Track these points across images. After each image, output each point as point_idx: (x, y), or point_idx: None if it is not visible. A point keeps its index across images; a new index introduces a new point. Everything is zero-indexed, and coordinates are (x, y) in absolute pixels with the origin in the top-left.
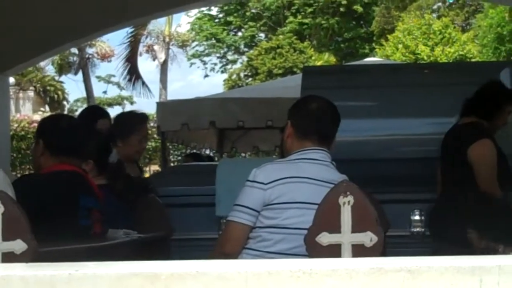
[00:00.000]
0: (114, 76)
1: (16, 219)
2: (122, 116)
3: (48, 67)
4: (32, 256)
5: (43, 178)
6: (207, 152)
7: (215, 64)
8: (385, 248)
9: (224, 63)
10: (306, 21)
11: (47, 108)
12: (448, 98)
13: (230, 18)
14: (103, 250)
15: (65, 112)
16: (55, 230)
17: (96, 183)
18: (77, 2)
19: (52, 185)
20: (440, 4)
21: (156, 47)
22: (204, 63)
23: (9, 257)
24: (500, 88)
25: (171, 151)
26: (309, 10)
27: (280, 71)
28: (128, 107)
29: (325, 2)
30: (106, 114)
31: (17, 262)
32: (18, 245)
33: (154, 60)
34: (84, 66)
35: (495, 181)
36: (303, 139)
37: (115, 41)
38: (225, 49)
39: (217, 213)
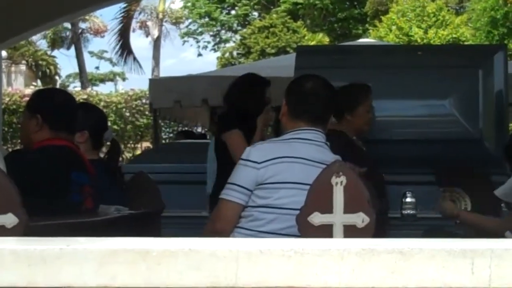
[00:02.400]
0: (106, 51)
1: (7, 192)
2: (346, 88)
3: (40, 41)
4: (23, 230)
5: (35, 152)
6: (200, 130)
7: (208, 42)
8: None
9: (217, 41)
10: (300, 0)
11: (39, 82)
12: (441, 80)
13: None
14: (94, 225)
15: (57, 87)
16: (46, 205)
17: (89, 157)
18: None
19: (44, 160)
20: None
21: (149, 23)
22: (197, 41)
23: (0, 231)
24: None
25: (163, 128)
26: None
27: (273, 51)
28: (120, 83)
29: None
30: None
31: (8, 236)
32: (9, 219)
33: (147, 36)
34: (76, 41)
35: None
36: (296, 118)
37: (108, 16)
38: (218, 28)
39: (208, 191)
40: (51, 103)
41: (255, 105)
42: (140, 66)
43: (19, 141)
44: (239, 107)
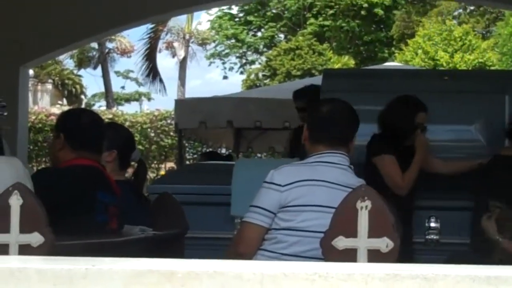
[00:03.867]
0: (132, 71)
1: (34, 211)
2: None
3: (67, 60)
4: (48, 249)
5: (62, 171)
6: (223, 151)
7: (234, 63)
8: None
9: (243, 63)
10: (326, 23)
11: (64, 101)
12: (467, 106)
13: (250, 18)
14: (119, 246)
15: (83, 106)
16: (71, 224)
17: (115, 178)
18: None
19: (70, 179)
20: (461, 10)
21: (175, 44)
22: (223, 62)
23: (26, 250)
24: None
25: (187, 149)
26: (330, 12)
27: (298, 73)
28: (146, 103)
29: (346, 4)
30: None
31: (34, 255)
32: (35, 238)
33: (173, 57)
34: (103, 60)
35: None
36: (316, 142)
37: (135, 36)
38: (244, 49)
39: (232, 213)
40: (75, 124)
41: (404, 127)
42: (165, 88)
43: (44, 159)
44: (389, 128)
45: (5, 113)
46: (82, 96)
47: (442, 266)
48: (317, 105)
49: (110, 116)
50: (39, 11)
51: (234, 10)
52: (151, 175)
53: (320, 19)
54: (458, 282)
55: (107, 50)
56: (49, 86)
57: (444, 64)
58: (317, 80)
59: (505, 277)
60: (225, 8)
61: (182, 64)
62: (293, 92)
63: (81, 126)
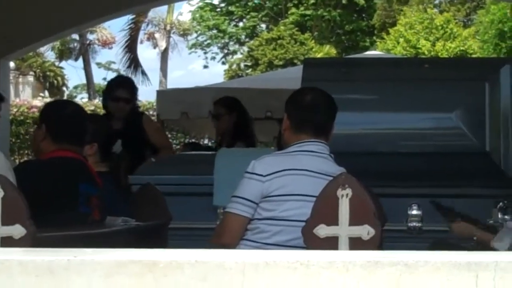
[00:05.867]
0: (114, 63)
1: (16, 204)
2: None
3: (48, 52)
4: (30, 241)
5: (44, 164)
6: (206, 142)
7: (216, 53)
8: (381, 242)
9: (225, 53)
10: (308, 12)
11: (46, 93)
12: (448, 94)
13: (231, 8)
14: (101, 237)
15: (65, 98)
16: (54, 216)
17: (97, 169)
18: None
19: (52, 172)
20: None
21: (157, 35)
22: (205, 52)
23: (8, 242)
24: None
25: (170, 140)
26: (311, 1)
27: (280, 62)
28: None
29: None
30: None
31: (16, 247)
32: (17, 230)
33: (154, 48)
34: (84, 52)
35: None
36: (298, 131)
37: (116, 27)
38: (226, 39)
39: (214, 203)
40: (56, 115)
41: None
42: (148, 78)
43: (26, 152)
44: None
45: None
46: (64, 88)
47: (422, 252)
48: (298, 94)
49: (92, 107)
50: (19, 3)
51: (216, 0)
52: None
53: (302, 8)
54: (438, 269)
55: (88, 42)
56: (31, 79)
57: (426, 52)
58: (299, 69)
59: (486, 263)
60: None
61: (164, 55)
62: (215, 101)
63: (63, 117)
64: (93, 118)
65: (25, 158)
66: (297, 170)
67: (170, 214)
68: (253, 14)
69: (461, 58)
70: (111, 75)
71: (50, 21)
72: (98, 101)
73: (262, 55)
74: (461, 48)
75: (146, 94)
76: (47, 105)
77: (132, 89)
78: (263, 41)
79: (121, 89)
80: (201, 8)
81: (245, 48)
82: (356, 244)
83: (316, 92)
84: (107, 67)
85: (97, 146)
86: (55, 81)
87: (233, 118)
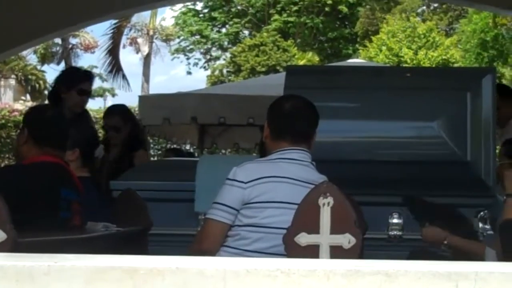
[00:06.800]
0: (96, 67)
1: None
2: None
3: (30, 56)
4: (11, 246)
5: (25, 168)
6: (188, 148)
7: (199, 59)
8: (362, 251)
9: (208, 59)
10: (291, 19)
11: (28, 97)
12: (429, 102)
13: (215, 14)
14: (82, 242)
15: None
16: (35, 221)
17: (78, 174)
18: None
19: (33, 176)
20: (424, 7)
21: (139, 40)
22: (188, 57)
23: None
24: None
25: (152, 145)
26: (294, 8)
27: (263, 69)
28: (110, 99)
29: (310, 1)
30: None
31: None
32: None
33: (137, 53)
34: (67, 56)
35: None
36: (279, 139)
37: (99, 32)
38: (209, 45)
39: (196, 209)
40: (39, 119)
41: None
42: (128, 84)
43: (7, 155)
44: None
45: None
46: (46, 92)
47: (403, 262)
48: (278, 102)
49: None
50: (1, 7)
51: (199, 6)
52: None
53: (285, 15)
54: (419, 278)
55: (70, 46)
56: (12, 82)
57: (408, 61)
58: (282, 76)
59: (466, 273)
60: (189, 4)
61: (146, 60)
62: (106, 109)
63: (44, 121)
64: (75, 123)
65: (6, 162)
66: (278, 178)
67: (151, 220)
68: (236, 20)
69: (443, 67)
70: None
71: (33, 25)
72: None
73: (245, 61)
74: (443, 57)
75: (128, 99)
76: (30, 109)
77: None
78: (245, 47)
79: (87, 84)
80: (184, 13)
81: (228, 54)
82: (337, 252)
83: (297, 100)
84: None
85: (79, 151)
86: (37, 85)
87: (128, 127)
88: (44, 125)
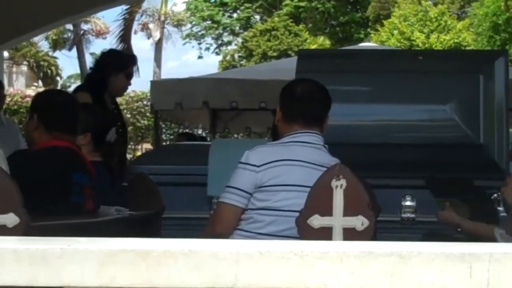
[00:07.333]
0: None
1: (9, 192)
2: None
3: (42, 42)
4: (24, 230)
5: (37, 153)
6: (200, 132)
7: (210, 44)
8: (375, 233)
9: (219, 44)
10: (302, 4)
11: (40, 83)
12: (442, 86)
13: None
14: (95, 226)
15: (58, 88)
16: (47, 205)
17: (90, 159)
18: None
19: (46, 161)
20: None
21: (151, 26)
22: (199, 43)
23: (1, 231)
24: None
25: (164, 130)
26: None
27: (274, 54)
28: None
29: None
30: None
31: (9, 235)
32: (11, 219)
33: (148, 38)
34: (78, 42)
35: None
36: (291, 122)
37: (110, 18)
38: (220, 30)
39: (208, 193)
40: (48, 104)
41: None
42: (138, 69)
43: None
44: None
45: None
46: (58, 78)
47: (416, 243)
48: (290, 85)
49: None
50: None
51: None
52: (127, 156)
53: (296, 0)
54: (432, 260)
55: (82, 32)
56: (24, 68)
57: (420, 44)
58: (293, 61)
59: (479, 254)
60: None
61: (158, 46)
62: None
63: (54, 106)
64: (86, 108)
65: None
66: (291, 161)
67: (164, 203)
68: (247, 5)
69: (456, 50)
70: None
71: (44, 11)
72: None
73: (256, 46)
74: (455, 40)
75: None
76: (38, 95)
77: None
78: (257, 32)
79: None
80: None
81: (239, 39)
82: (350, 234)
83: (309, 83)
84: None
85: (90, 135)
86: (49, 71)
87: None
88: (54, 110)
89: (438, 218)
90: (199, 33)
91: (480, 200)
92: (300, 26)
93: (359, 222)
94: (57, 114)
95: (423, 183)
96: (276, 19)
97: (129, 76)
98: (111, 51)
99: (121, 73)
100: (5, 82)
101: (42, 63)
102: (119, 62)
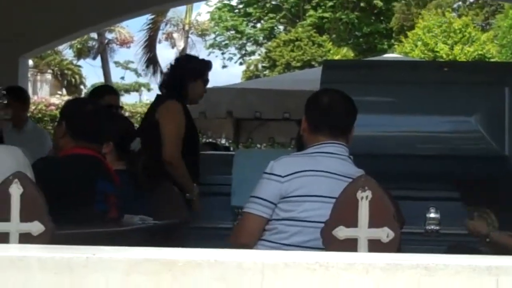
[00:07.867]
0: (132, 62)
1: (34, 200)
2: None
3: (66, 50)
4: (49, 238)
5: (62, 161)
6: (223, 142)
7: (234, 54)
8: (400, 245)
9: (243, 54)
10: (326, 15)
11: (64, 91)
12: (467, 97)
13: (249, 9)
14: (119, 235)
15: (82, 96)
16: (71, 213)
17: (114, 168)
18: None
19: (70, 169)
20: (460, 3)
21: (175, 35)
22: (223, 52)
23: (26, 238)
24: None
25: None
26: (329, 4)
27: (298, 64)
28: (145, 94)
29: None
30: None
31: (34, 243)
32: (36, 227)
33: (173, 47)
34: (102, 51)
35: None
36: (316, 133)
37: (134, 27)
38: (244, 40)
39: (232, 203)
40: (76, 112)
41: None
42: None
43: None
44: None
45: (5, 101)
46: (82, 86)
47: (442, 256)
48: (316, 96)
49: None
50: (39, 1)
51: (234, 1)
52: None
53: (320, 11)
54: (458, 272)
55: (106, 41)
56: (49, 76)
57: (444, 56)
58: (317, 71)
59: (506, 267)
60: None
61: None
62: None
63: (82, 114)
64: (111, 117)
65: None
66: (316, 171)
67: (188, 213)
68: (271, 15)
69: (481, 61)
70: (129, 75)
71: (69, 20)
72: None
73: (280, 56)
74: (479, 52)
75: None
76: (68, 102)
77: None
78: (280, 42)
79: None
80: (219, 8)
81: (263, 49)
82: (375, 246)
83: (334, 94)
84: (125, 66)
85: (113, 144)
86: (73, 80)
87: None
88: (82, 119)
89: (467, 228)
90: (223, 43)
91: (506, 212)
92: (324, 37)
93: (385, 233)
94: (85, 124)
95: (447, 195)
96: (300, 29)
97: (206, 82)
98: (188, 57)
99: (199, 79)
100: (30, 90)
101: (66, 71)
102: (198, 69)
